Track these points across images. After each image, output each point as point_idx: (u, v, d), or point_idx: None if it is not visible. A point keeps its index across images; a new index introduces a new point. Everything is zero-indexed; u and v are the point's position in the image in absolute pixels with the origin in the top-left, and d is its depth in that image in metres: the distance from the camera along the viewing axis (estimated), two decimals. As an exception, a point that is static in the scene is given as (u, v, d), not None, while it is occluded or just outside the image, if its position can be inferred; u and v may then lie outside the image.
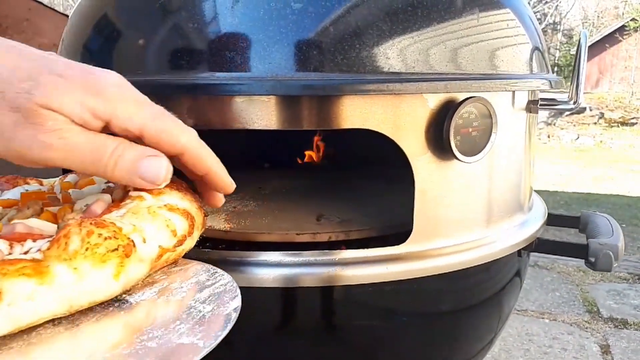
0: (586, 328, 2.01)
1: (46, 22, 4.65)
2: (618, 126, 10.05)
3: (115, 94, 0.35)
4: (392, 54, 0.54)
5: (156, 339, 0.34)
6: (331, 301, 0.60)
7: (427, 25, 0.56)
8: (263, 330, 0.61)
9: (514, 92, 0.65)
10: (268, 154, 1.08)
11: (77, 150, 0.34)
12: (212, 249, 0.61)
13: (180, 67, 0.55)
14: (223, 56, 0.54)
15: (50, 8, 4.99)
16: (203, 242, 0.66)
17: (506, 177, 0.66)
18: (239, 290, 0.39)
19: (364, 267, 0.57)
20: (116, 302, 0.37)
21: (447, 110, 0.56)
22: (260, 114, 0.52)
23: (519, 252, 0.69)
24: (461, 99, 0.56)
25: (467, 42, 0.57)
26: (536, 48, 0.69)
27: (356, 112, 0.53)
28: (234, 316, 0.36)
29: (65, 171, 0.56)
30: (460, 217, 0.61)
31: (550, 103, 0.70)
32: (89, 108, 0.34)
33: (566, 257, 0.68)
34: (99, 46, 0.66)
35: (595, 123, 10.25)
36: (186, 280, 0.41)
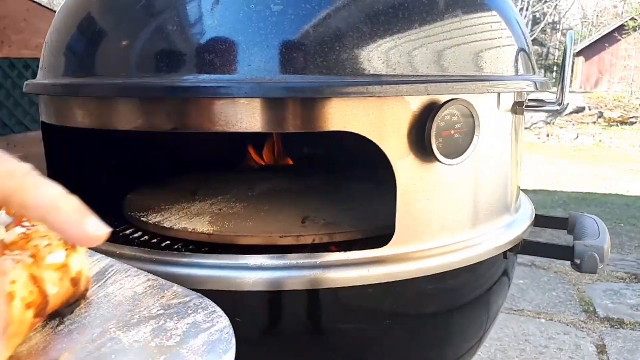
0: (582, 328, 2.01)
1: (44, 22, 4.64)
2: (617, 125, 10.05)
3: None
4: (373, 56, 0.54)
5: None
6: (315, 304, 0.60)
7: (408, 27, 0.55)
8: (247, 334, 0.61)
9: (499, 93, 0.65)
10: (258, 155, 1.08)
11: None
12: (194, 252, 0.60)
13: (162, 69, 0.55)
14: (204, 58, 0.54)
15: (48, 8, 4.97)
16: (186, 245, 0.66)
17: (491, 179, 0.66)
18: (234, 341, 0.37)
19: (347, 270, 0.57)
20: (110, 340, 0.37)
21: (429, 112, 0.56)
22: (241, 116, 0.52)
23: (504, 253, 0.69)
24: (443, 101, 0.56)
25: (449, 44, 0.57)
26: (522, 49, 0.69)
27: (337, 115, 0.53)
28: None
29: None
30: (443, 219, 0.61)
31: (536, 104, 0.70)
32: None
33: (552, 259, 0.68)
34: (82, 48, 0.65)
35: (594, 122, 10.24)
36: (182, 319, 0.39)
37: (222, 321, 0.39)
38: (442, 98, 0.57)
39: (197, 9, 0.56)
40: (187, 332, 0.38)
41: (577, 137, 8.91)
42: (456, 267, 0.62)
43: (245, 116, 0.53)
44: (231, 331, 0.38)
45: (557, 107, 0.67)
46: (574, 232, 0.77)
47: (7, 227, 0.39)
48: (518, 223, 0.72)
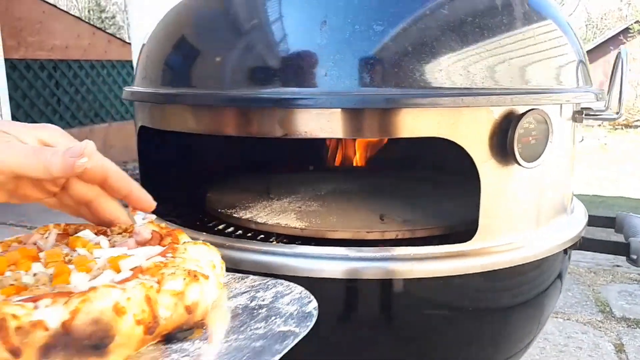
0: (600, 327, 2.07)
1: (59, 24, 4.68)
2: (622, 128, 10.11)
3: (56, 130, 0.47)
4: (464, 71, 0.60)
5: (260, 328, 0.42)
6: (401, 293, 0.66)
7: (492, 45, 0.62)
8: (367, 318, 0.68)
9: (561, 104, 0.71)
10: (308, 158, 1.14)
11: (20, 151, 0.43)
12: (300, 244, 0.67)
13: (255, 82, 0.62)
14: (297, 73, 0.60)
15: (63, 10, 5.01)
16: (278, 238, 0.72)
17: (555, 181, 0.73)
18: (312, 296, 0.47)
19: (433, 263, 0.64)
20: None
21: (510, 120, 0.62)
22: (353, 125, 0.59)
23: (565, 250, 0.75)
24: (523, 111, 0.63)
25: (529, 59, 0.64)
26: (581, 61, 0.75)
27: (431, 123, 0.60)
28: (315, 313, 0.44)
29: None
30: (518, 217, 0.68)
31: (595, 113, 0.76)
32: (35, 135, 0.46)
33: (585, 259, 0.74)
34: (180, 64, 0.72)
35: (599, 125, 10.30)
36: (268, 290, 0.49)
37: (299, 288, 0.49)
38: (521, 108, 0.63)
39: (291, 31, 0.63)
40: (274, 296, 0.47)
41: (582, 140, 8.97)
42: (526, 262, 0.68)
43: (354, 125, 0.59)
44: (308, 292, 0.47)
45: (616, 116, 0.73)
46: (624, 230, 0.83)
47: (150, 257, 0.46)
48: (575, 222, 0.78)
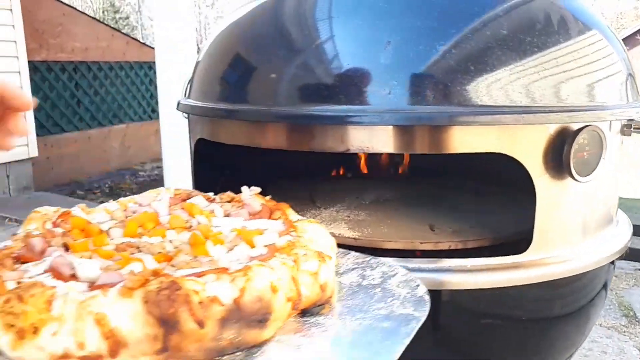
0: (624, 332, 2.06)
1: (79, 26, 4.74)
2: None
3: None
4: (522, 89, 0.62)
5: (382, 308, 0.46)
6: (453, 304, 0.68)
7: (550, 64, 0.64)
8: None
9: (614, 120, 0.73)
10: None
11: None
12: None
13: (308, 100, 0.64)
14: (348, 91, 0.62)
15: (83, 13, 5.07)
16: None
17: (604, 193, 0.74)
18: (419, 280, 0.50)
19: (488, 274, 0.66)
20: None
21: (566, 136, 0.64)
22: (414, 140, 0.61)
23: (613, 261, 0.77)
24: (577, 127, 0.64)
25: (591, 78, 0.65)
26: (629, 74, 0.77)
27: (491, 139, 0.61)
28: (428, 298, 0.47)
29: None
30: (569, 230, 0.69)
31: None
32: None
33: None
34: (235, 80, 0.75)
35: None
36: (374, 270, 0.53)
37: (402, 269, 0.53)
38: (577, 125, 0.65)
39: (351, 51, 0.65)
40: (382, 277, 0.52)
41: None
42: (578, 273, 0.70)
43: (407, 140, 0.61)
44: (413, 275, 0.50)
45: (664, 130, 0.74)
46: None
47: (280, 234, 0.49)
48: (622, 232, 0.80)
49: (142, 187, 4.39)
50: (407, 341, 0.41)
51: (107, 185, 4.45)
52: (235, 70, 0.75)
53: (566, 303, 0.76)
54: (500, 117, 0.59)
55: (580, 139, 0.64)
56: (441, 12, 0.64)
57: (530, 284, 0.67)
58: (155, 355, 0.40)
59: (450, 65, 0.61)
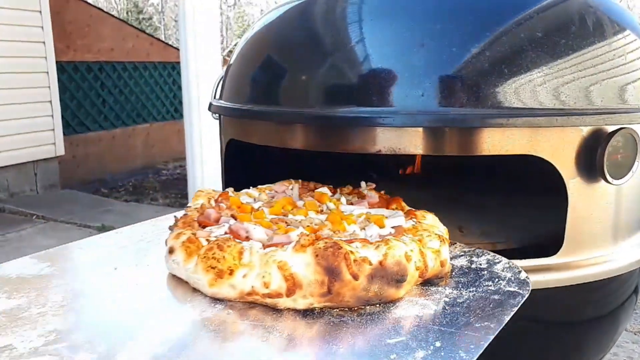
0: (651, 337, 2.03)
1: (106, 27, 4.84)
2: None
3: None
4: (555, 92, 0.62)
5: (491, 285, 0.55)
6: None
7: (582, 66, 0.64)
8: None
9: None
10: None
11: None
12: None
13: (339, 101, 0.65)
14: (392, 92, 0.63)
15: (108, 14, 5.16)
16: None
17: (636, 197, 0.73)
18: (521, 267, 0.58)
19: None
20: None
21: (599, 139, 0.64)
22: (446, 141, 0.61)
23: (645, 264, 0.76)
24: (611, 130, 0.64)
25: (623, 80, 0.65)
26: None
27: (525, 141, 0.62)
28: (529, 281, 0.56)
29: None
30: (601, 233, 0.69)
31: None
32: None
33: None
34: (266, 82, 0.76)
35: None
36: (479, 257, 0.63)
37: (504, 258, 0.61)
38: (610, 127, 0.64)
39: (384, 53, 0.66)
40: (488, 262, 0.61)
41: None
42: (610, 276, 0.69)
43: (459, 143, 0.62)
44: (514, 262, 0.58)
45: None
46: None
47: (406, 218, 0.63)
48: (654, 236, 0.79)
49: (164, 186, 4.45)
50: (515, 310, 0.50)
51: (130, 184, 4.53)
52: (267, 72, 0.76)
53: (596, 307, 0.75)
54: (533, 119, 0.59)
55: (614, 141, 0.64)
56: (474, 14, 0.64)
57: (560, 287, 0.67)
58: (320, 297, 0.51)
59: (483, 67, 0.61)
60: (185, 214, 0.64)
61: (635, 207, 0.74)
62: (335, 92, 0.65)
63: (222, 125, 0.84)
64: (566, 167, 0.64)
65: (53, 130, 4.05)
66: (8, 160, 3.71)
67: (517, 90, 0.61)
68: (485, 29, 0.62)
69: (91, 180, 4.48)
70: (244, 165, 0.89)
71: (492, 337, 0.47)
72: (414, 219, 0.63)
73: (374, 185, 0.72)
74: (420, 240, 0.57)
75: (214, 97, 0.88)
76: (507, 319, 0.49)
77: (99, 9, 5.37)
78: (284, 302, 0.52)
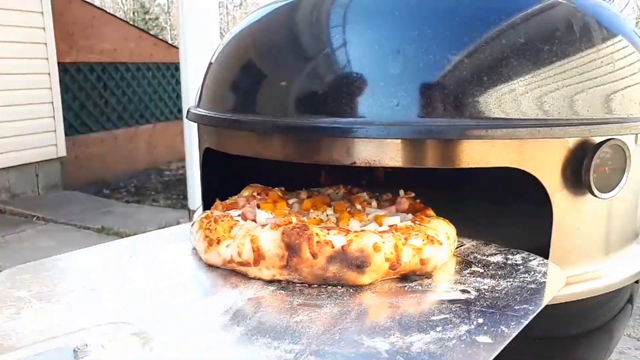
0: (653, 344, 1.99)
1: (108, 28, 4.83)
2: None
3: None
4: (538, 102, 0.59)
5: (527, 277, 0.60)
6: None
7: (567, 75, 0.60)
8: None
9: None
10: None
11: None
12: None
13: (313, 111, 0.62)
14: (367, 102, 0.60)
15: (111, 14, 5.17)
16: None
17: (627, 209, 0.70)
18: (554, 264, 0.62)
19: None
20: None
21: (586, 150, 0.60)
22: (424, 154, 0.58)
23: (638, 280, 0.72)
24: (599, 141, 0.61)
25: (609, 89, 0.62)
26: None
27: (505, 153, 0.58)
28: (563, 275, 0.59)
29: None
30: (588, 247, 0.66)
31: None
32: None
33: None
34: (241, 90, 0.73)
35: None
36: (515, 255, 0.67)
37: (538, 257, 0.65)
38: (597, 138, 0.61)
39: (358, 60, 0.63)
40: (523, 260, 0.65)
41: None
42: (599, 294, 0.66)
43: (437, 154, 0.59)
44: (546, 260, 0.63)
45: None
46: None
47: (404, 221, 0.67)
48: (647, 250, 0.76)
49: (167, 187, 4.44)
50: (551, 297, 0.55)
51: (132, 185, 4.52)
52: (241, 80, 0.74)
53: (587, 321, 0.72)
54: (515, 130, 0.56)
55: (601, 153, 0.61)
56: (454, 20, 0.61)
57: (549, 304, 0.64)
58: (280, 269, 0.59)
59: (461, 75, 0.58)
60: (225, 202, 0.76)
61: (628, 220, 0.71)
62: (307, 101, 0.63)
63: (199, 132, 0.82)
64: (551, 181, 0.61)
65: (55, 131, 4.05)
66: (10, 161, 3.71)
67: (498, 100, 0.58)
68: (465, 35, 0.59)
69: (93, 181, 4.48)
70: (223, 174, 0.86)
71: (532, 317, 0.51)
72: (418, 222, 0.67)
73: (412, 195, 0.78)
74: (405, 238, 0.61)
75: (195, 104, 0.85)
76: (545, 302, 0.53)
77: (102, 9, 5.37)
78: (252, 271, 0.61)
